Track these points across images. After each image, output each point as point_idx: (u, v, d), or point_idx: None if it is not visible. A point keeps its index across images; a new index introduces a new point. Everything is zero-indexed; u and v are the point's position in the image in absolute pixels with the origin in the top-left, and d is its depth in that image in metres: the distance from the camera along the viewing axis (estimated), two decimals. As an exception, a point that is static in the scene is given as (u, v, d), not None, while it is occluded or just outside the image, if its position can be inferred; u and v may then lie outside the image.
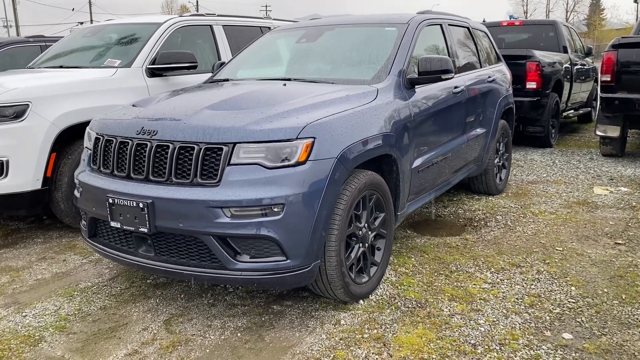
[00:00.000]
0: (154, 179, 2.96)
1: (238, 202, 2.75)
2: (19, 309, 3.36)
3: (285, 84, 3.77)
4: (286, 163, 2.80)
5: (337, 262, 3.02)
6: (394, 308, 3.23)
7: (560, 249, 4.14)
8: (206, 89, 3.94)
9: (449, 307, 3.23)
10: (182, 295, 3.49)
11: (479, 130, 5.08)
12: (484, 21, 9.96)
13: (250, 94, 3.54)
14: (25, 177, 4.32)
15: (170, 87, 5.18)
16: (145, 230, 2.91)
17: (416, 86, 3.91)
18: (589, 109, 10.84)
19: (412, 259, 3.97)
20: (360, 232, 3.27)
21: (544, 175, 6.64)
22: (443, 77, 3.84)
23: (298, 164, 2.81)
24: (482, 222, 4.84)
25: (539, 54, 7.84)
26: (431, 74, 3.81)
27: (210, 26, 6.08)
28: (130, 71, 5.12)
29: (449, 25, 4.84)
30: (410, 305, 3.26)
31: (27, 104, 4.28)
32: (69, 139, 4.54)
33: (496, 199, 5.56)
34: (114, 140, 3.17)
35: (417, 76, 3.83)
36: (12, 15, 43.29)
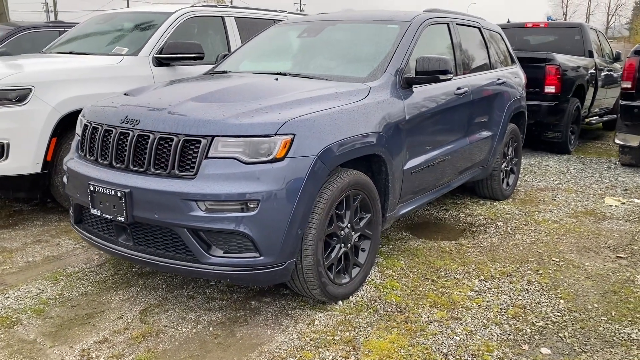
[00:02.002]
0: (133, 168, 2.96)
1: (213, 196, 2.73)
2: (3, 290, 3.40)
3: (277, 79, 3.72)
4: (264, 159, 2.77)
5: (314, 261, 2.97)
6: (372, 311, 3.17)
7: (557, 259, 4.01)
8: (200, 81, 3.93)
9: (428, 314, 3.16)
10: (163, 286, 3.49)
11: (485, 133, 4.95)
12: (508, 22, 9.74)
13: (239, 87, 3.51)
14: (25, 160, 4.39)
15: (176, 77, 5.18)
16: (123, 219, 2.92)
17: (414, 86, 3.82)
18: (615, 115, 10.50)
19: (402, 262, 3.90)
20: (343, 232, 3.21)
21: (556, 182, 6.45)
22: (441, 77, 3.75)
23: (275, 160, 2.77)
24: (482, 228, 4.73)
25: (560, 58, 7.62)
26: (429, 74, 3.72)
27: (222, 17, 6.07)
28: (136, 59, 5.15)
29: (456, 24, 4.72)
30: (389, 309, 3.20)
31: (30, 88, 4.34)
32: (70, 124, 4.58)
33: (501, 205, 5.42)
34: (100, 128, 3.18)
35: (414, 76, 3.74)
36: (52, 0, 44.10)
